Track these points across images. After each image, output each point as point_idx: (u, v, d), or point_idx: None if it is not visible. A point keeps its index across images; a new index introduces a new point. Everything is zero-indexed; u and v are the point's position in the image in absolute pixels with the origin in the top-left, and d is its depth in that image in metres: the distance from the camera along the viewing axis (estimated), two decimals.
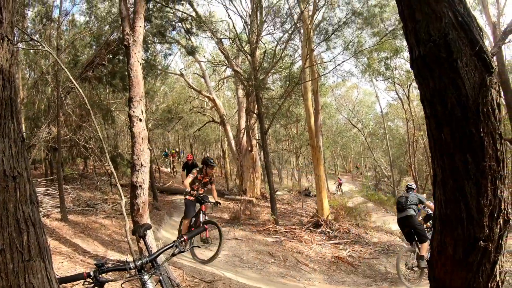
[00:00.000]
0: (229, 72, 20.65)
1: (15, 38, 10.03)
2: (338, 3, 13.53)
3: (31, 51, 11.98)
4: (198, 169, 8.25)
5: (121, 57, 11.11)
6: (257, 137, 17.73)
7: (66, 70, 6.44)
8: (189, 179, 8.08)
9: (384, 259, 9.87)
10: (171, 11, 12.81)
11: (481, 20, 17.82)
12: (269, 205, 13.58)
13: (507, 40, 10.88)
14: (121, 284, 2.61)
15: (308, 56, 13.22)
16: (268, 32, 14.35)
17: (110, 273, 2.42)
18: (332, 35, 13.25)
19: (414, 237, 8.33)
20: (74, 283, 2.70)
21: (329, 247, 10.56)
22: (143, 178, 5.71)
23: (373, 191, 34.12)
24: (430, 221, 8.56)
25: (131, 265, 2.46)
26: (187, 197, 7.99)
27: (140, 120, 5.88)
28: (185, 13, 13.15)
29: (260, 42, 14.30)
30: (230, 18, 15.96)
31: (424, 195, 9.86)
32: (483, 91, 2.05)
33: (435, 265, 2.37)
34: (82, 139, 10.16)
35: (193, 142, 36.06)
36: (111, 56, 11.00)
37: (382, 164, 36.70)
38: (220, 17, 19.62)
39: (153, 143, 28.27)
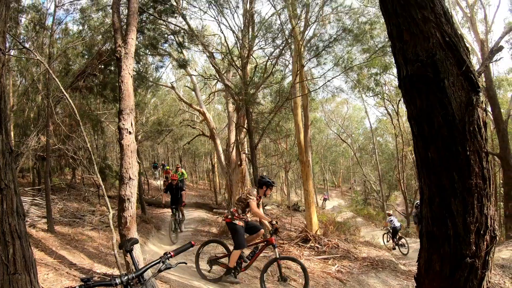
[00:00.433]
0: (220, 86, 20.70)
1: (7, 45, 10.03)
2: (329, 19, 13.70)
3: (23, 58, 11.93)
4: (255, 192, 7.30)
5: (112, 68, 11.10)
6: (246, 152, 17.69)
7: (56, 80, 6.42)
8: (258, 207, 7.34)
9: (373, 274, 9.85)
10: (164, 23, 12.86)
11: (469, 37, 18.23)
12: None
13: (493, 59, 11.11)
14: None
15: (298, 72, 13.33)
16: (260, 47, 14.44)
17: None
18: (323, 51, 13.36)
19: None
20: None
21: (318, 262, 10.51)
22: (131, 191, 5.67)
23: (362, 206, 34.22)
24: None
25: (118, 281, 2.43)
26: (237, 222, 7.01)
27: (130, 133, 5.85)
28: (177, 26, 13.21)
29: (251, 57, 14.40)
30: (222, 32, 16.09)
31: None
32: (470, 110, 2.08)
33: (422, 281, 2.38)
34: (70, 149, 10.06)
35: (182, 155, 35.92)
36: (102, 67, 10.99)
37: (371, 179, 36.89)
38: (213, 30, 19.76)
39: (142, 156, 28.13)
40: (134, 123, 6.08)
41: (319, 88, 16.98)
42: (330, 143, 45.02)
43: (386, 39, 13.15)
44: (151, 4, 11.73)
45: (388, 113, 27.93)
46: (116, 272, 6.24)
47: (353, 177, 53.52)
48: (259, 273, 7.17)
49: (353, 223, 21.38)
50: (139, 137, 17.95)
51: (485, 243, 2.11)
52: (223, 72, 15.80)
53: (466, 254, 2.10)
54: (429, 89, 2.15)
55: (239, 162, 17.31)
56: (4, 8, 1.96)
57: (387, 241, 16.37)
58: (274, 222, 7.13)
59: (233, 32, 13.42)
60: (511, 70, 23.76)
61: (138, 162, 6.13)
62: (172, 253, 2.84)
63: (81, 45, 12.03)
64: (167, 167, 25.68)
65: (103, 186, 6.34)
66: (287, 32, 13.35)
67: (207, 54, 14.10)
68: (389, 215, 18.37)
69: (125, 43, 6.12)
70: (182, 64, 14.64)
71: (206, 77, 18.19)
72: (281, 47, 13.78)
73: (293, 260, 7.20)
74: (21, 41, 10.60)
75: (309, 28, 13.71)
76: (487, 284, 2.19)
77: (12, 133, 11.89)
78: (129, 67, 6.08)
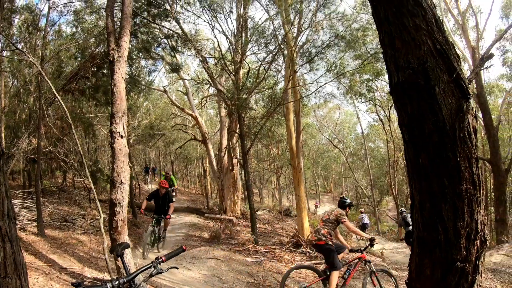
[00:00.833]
0: (212, 90, 20.72)
1: (0, 45, 9.97)
2: (322, 26, 13.80)
3: (16, 58, 11.85)
4: (343, 212, 7.30)
5: (105, 71, 11.05)
6: (238, 156, 17.70)
7: (49, 82, 6.38)
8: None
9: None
10: (158, 27, 12.87)
11: (461, 44, 18.43)
12: (249, 224, 13.51)
13: (484, 66, 11.24)
14: None
15: (291, 77, 13.39)
16: (252, 52, 14.51)
17: None
18: (316, 57, 13.45)
19: None
20: None
21: None
22: (122, 195, 5.64)
23: (354, 211, 34.31)
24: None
25: (109, 285, 2.41)
26: (330, 243, 6.86)
27: (122, 136, 5.83)
28: (171, 30, 13.22)
29: (244, 62, 14.44)
30: (215, 37, 16.23)
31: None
32: (460, 116, 2.11)
33: (414, 286, 2.40)
34: (62, 152, 9.99)
35: (174, 159, 35.79)
36: (95, 69, 10.93)
37: (363, 184, 37.01)
38: (206, 35, 19.79)
39: (134, 159, 27.95)
40: (126, 126, 6.06)
41: (311, 93, 17.09)
42: (322, 149, 45.15)
43: (378, 46, 13.27)
44: (145, 7, 11.73)
45: (379, 119, 28.12)
46: (107, 276, 6.19)
47: (344, 182, 53.71)
48: None
49: (345, 228, 21.40)
50: (131, 141, 17.88)
51: (475, 247, 2.13)
52: (216, 76, 15.84)
53: (456, 258, 2.12)
54: (420, 96, 2.17)
55: (231, 167, 17.32)
56: None
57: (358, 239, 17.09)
58: (373, 237, 7.27)
59: (226, 37, 13.47)
60: (502, 76, 24.02)
61: (129, 166, 6.10)
62: (163, 258, 2.83)
63: (74, 47, 11.97)
64: (163, 173, 24.97)
65: (94, 190, 6.29)
66: (280, 38, 13.41)
67: (200, 58, 14.12)
68: (361, 212, 21.19)
69: (118, 46, 6.11)
70: (175, 68, 14.64)
71: (198, 81, 18.22)
72: (274, 53, 13.85)
73: (386, 271, 7.38)
74: (14, 42, 10.53)
75: (302, 34, 13.81)
76: None
77: (3, 135, 11.79)
78: (122, 70, 6.07)
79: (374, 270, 6.92)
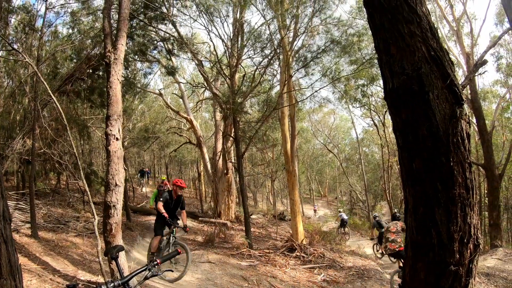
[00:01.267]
0: (208, 94, 20.75)
1: None
2: (318, 31, 13.87)
3: (11, 59, 11.79)
4: None
5: (101, 73, 11.03)
6: (233, 160, 17.70)
7: (44, 83, 6.37)
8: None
9: (358, 284, 9.89)
10: (154, 30, 12.87)
11: (456, 50, 18.59)
12: (244, 228, 13.49)
13: (478, 72, 11.31)
14: None
15: (286, 82, 13.43)
16: (248, 57, 14.53)
17: None
18: (311, 62, 13.51)
19: None
20: None
21: (304, 272, 10.51)
22: (117, 198, 5.64)
23: (348, 216, 34.34)
24: None
25: None
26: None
27: (117, 139, 5.84)
28: (167, 33, 13.23)
29: (240, 66, 14.47)
30: (211, 40, 16.19)
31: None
32: (454, 122, 2.13)
33: None
34: (56, 153, 9.94)
35: (168, 162, 35.71)
36: (91, 71, 10.91)
37: (357, 189, 37.08)
38: (202, 38, 19.82)
39: (129, 162, 27.87)
40: (121, 129, 6.06)
41: (306, 98, 17.12)
42: (316, 153, 45.23)
43: (373, 51, 13.34)
44: (142, 10, 11.74)
45: (374, 124, 28.20)
46: (100, 279, 6.16)
47: (339, 187, 53.76)
48: None
49: (339, 232, 21.50)
50: (126, 144, 17.82)
51: (468, 251, 2.16)
52: (211, 80, 15.86)
53: (450, 262, 2.14)
54: (414, 101, 2.20)
55: (225, 171, 17.32)
56: None
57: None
58: None
59: (223, 40, 13.50)
60: (496, 82, 24.27)
61: (124, 169, 6.10)
62: (158, 261, 2.84)
63: (70, 49, 11.94)
64: (163, 177, 24.39)
65: (88, 192, 6.27)
66: (276, 42, 13.46)
67: (196, 62, 14.13)
68: (340, 212, 24.68)
69: (114, 49, 6.12)
70: (171, 71, 14.64)
71: (194, 85, 18.21)
72: (269, 57, 13.88)
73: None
74: (10, 42, 10.48)
75: (298, 38, 13.87)
76: None
77: None
78: (118, 73, 6.08)
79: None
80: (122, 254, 5.52)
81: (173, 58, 15.19)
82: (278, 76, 15.33)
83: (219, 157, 17.50)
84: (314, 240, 13.96)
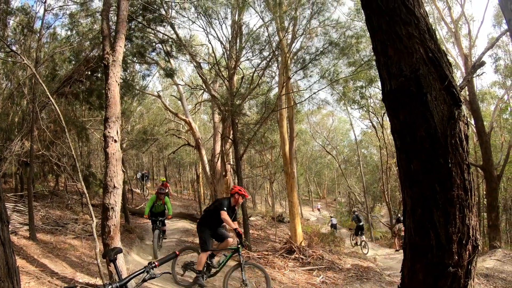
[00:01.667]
0: (206, 96, 20.72)
1: None
2: (316, 33, 13.89)
3: (10, 60, 11.78)
4: None
5: (99, 75, 11.02)
6: (231, 162, 17.69)
7: (43, 85, 6.37)
8: None
9: (357, 285, 9.87)
10: (152, 32, 12.88)
11: (454, 52, 18.64)
12: (242, 230, 13.47)
13: (476, 74, 11.34)
14: None
15: (284, 84, 13.44)
16: (247, 59, 14.54)
17: None
18: (309, 64, 13.52)
19: None
20: None
21: (303, 274, 10.49)
22: (115, 200, 5.63)
23: (347, 217, 34.36)
24: None
25: None
26: None
27: (115, 141, 5.83)
28: (166, 35, 13.24)
29: (238, 68, 14.47)
30: (210, 42, 16.12)
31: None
32: (452, 123, 2.13)
33: None
34: (55, 156, 9.92)
35: (167, 164, 35.69)
36: (89, 73, 10.90)
37: (356, 191, 37.08)
38: (201, 40, 19.82)
39: (127, 164, 27.83)
40: (119, 131, 6.05)
41: (305, 100, 17.14)
42: (315, 155, 45.26)
43: (372, 53, 13.34)
44: (141, 12, 11.74)
45: (373, 125, 28.26)
46: (99, 281, 6.15)
47: (338, 188, 53.76)
48: None
49: (338, 234, 21.50)
50: (124, 146, 17.81)
51: (467, 252, 2.15)
52: (210, 82, 15.84)
53: (448, 263, 2.13)
54: (412, 103, 2.20)
55: (224, 173, 17.29)
56: None
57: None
58: None
59: (221, 42, 13.51)
60: (494, 83, 24.38)
61: (122, 171, 6.10)
62: (156, 263, 2.83)
63: (69, 51, 11.92)
64: (163, 179, 24.26)
65: (86, 194, 6.26)
66: (274, 44, 13.48)
67: (195, 64, 14.13)
68: (331, 217, 28.12)
69: (113, 51, 6.11)
70: (169, 73, 14.63)
71: (192, 87, 18.22)
72: (268, 59, 13.90)
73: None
74: (8, 43, 10.47)
75: (296, 40, 13.88)
76: None
77: None
78: (116, 74, 6.07)
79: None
80: (120, 256, 5.51)
81: (171, 60, 15.18)
82: (277, 78, 15.35)
83: (218, 159, 17.48)
84: (313, 242, 13.97)
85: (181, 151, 28.99)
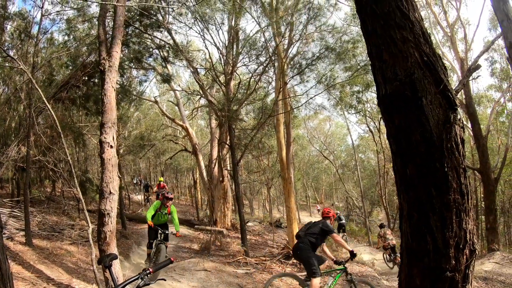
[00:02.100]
0: (203, 101, 20.73)
1: None
2: (313, 38, 13.92)
3: (7, 65, 11.76)
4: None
5: (96, 80, 11.03)
6: (228, 168, 17.67)
7: (39, 90, 6.36)
8: None
9: None
10: (149, 37, 12.90)
11: (450, 56, 18.70)
12: (240, 236, 13.43)
13: (471, 77, 11.36)
14: None
15: (281, 89, 13.45)
16: (243, 64, 14.57)
17: None
18: (306, 69, 13.55)
19: None
20: None
21: None
22: (111, 206, 5.62)
23: (346, 221, 34.31)
24: None
25: None
26: None
27: (111, 146, 5.82)
28: (163, 40, 13.27)
29: (235, 73, 14.49)
30: (206, 48, 16.13)
31: None
32: (447, 127, 2.13)
33: None
34: (51, 161, 9.89)
35: (164, 170, 35.62)
36: (86, 78, 10.90)
37: (354, 195, 37.09)
38: (198, 46, 19.87)
39: (124, 170, 27.78)
40: (116, 136, 6.05)
41: (301, 105, 17.15)
42: (312, 160, 45.22)
43: (368, 58, 13.40)
44: (137, 17, 11.76)
45: (370, 130, 28.31)
46: None
47: (335, 193, 53.74)
48: None
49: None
50: (121, 151, 17.76)
51: (464, 257, 2.14)
52: (207, 88, 15.86)
53: (446, 268, 2.12)
54: (407, 107, 2.20)
55: (221, 178, 17.28)
56: None
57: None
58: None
59: (218, 48, 13.54)
60: (490, 87, 24.46)
61: (119, 177, 6.08)
62: (151, 270, 2.81)
63: (66, 56, 11.92)
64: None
65: (83, 200, 6.25)
66: (271, 50, 13.50)
67: (191, 69, 14.15)
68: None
69: (109, 56, 6.11)
70: (166, 79, 14.65)
71: (189, 92, 18.25)
72: (264, 64, 13.92)
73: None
74: (5, 48, 10.47)
75: (292, 46, 13.91)
76: None
77: None
78: (112, 80, 6.07)
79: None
80: (116, 263, 5.48)
81: (168, 66, 15.21)
82: (273, 83, 15.37)
83: (215, 165, 17.48)
84: None
85: (178, 157, 28.93)
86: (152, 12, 11.99)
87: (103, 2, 6.52)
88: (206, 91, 15.08)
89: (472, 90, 17.20)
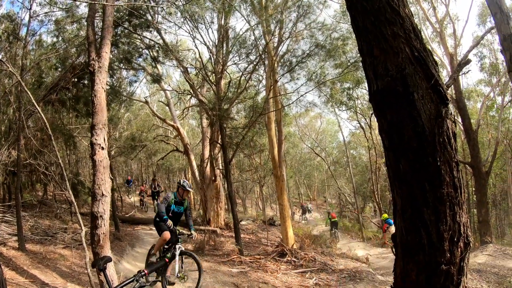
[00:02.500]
0: (194, 101, 20.69)
1: None
2: (303, 35, 13.93)
3: None
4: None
5: (86, 82, 10.93)
6: (220, 167, 17.65)
7: (28, 92, 6.29)
8: None
9: (351, 286, 9.88)
10: (139, 37, 12.82)
11: (439, 51, 18.85)
12: (233, 235, 13.43)
13: (461, 72, 11.46)
14: None
15: (272, 87, 13.46)
16: (234, 63, 14.55)
17: None
18: (296, 67, 13.57)
19: None
20: None
21: (295, 276, 10.47)
22: (104, 208, 5.58)
23: (338, 218, 34.43)
24: None
25: None
26: None
27: (102, 148, 5.78)
28: (152, 40, 13.19)
29: (225, 72, 14.47)
30: (196, 47, 16.00)
31: None
32: (439, 122, 2.14)
33: None
34: (42, 164, 9.79)
35: (156, 170, 35.48)
36: (76, 80, 10.80)
37: (346, 192, 37.23)
38: (188, 45, 19.71)
39: (116, 171, 27.60)
40: (107, 138, 6.00)
41: (292, 103, 17.19)
42: (304, 157, 45.30)
43: (358, 55, 13.41)
44: (127, 18, 11.68)
45: (361, 126, 28.41)
46: None
47: (328, 190, 53.90)
48: None
49: (329, 235, 21.54)
50: (112, 153, 17.65)
51: (459, 250, 2.16)
52: (197, 87, 15.81)
53: (441, 261, 2.14)
54: (399, 102, 2.21)
55: (213, 178, 17.25)
56: None
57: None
58: None
59: (208, 47, 13.49)
60: (480, 81, 24.74)
61: (111, 178, 6.04)
62: (146, 272, 2.80)
63: (55, 58, 11.81)
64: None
65: (75, 203, 6.19)
66: (261, 48, 13.49)
67: (182, 69, 14.10)
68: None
69: (99, 57, 6.07)
70: (156, 79, 14.58)
71: (180, 92, 18.16)
72: (255, 63, 13.90)
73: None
74: None
75: (282, 43, 13.93)
76: None
77: None
78: (102, 81, 6.02)
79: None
80: (110, 265, 5.45)
81: (158, 66, 15.12)
82: (264, 82, 15.36)
83: (207, 164, 17.44)
84: (305, 244, 13.98)
85: (170, 157, 28.84)
86: (142, 12, 11.91)
87: (92, 2, 6.46)
88: (196, 90, 15.03)
89: (462, 85, 17.39)
